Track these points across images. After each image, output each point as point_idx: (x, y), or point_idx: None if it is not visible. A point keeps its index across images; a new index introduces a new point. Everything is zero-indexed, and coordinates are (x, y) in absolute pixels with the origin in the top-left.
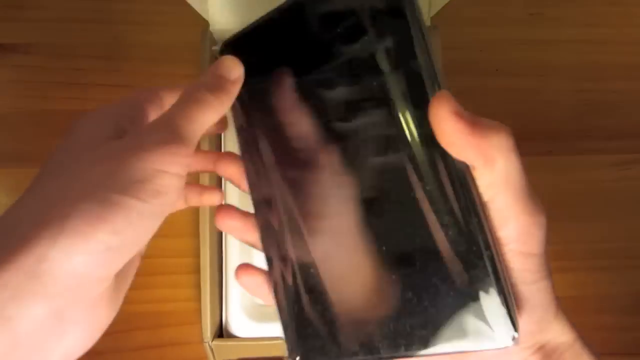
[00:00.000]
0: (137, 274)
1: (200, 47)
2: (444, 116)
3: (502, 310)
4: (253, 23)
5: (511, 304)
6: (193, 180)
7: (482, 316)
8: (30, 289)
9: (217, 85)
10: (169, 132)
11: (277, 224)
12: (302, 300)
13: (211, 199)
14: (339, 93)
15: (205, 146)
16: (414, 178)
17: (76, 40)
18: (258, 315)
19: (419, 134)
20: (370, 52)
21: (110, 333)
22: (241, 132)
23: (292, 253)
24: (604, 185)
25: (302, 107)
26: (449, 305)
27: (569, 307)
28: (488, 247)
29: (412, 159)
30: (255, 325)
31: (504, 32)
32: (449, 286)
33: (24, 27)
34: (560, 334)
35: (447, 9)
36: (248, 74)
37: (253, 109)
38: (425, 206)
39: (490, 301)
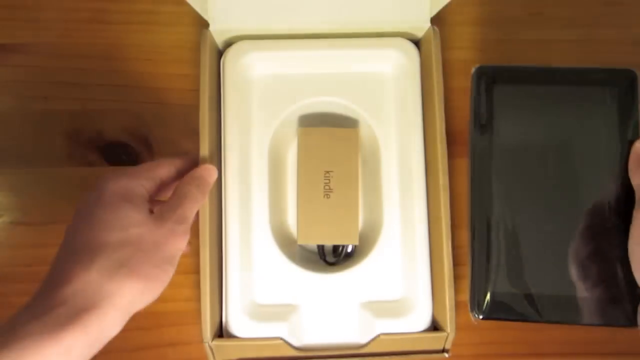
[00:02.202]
0: None
1: (200, 47)
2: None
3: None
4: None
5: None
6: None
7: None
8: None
9: (205, 186)
10: (186, 224)
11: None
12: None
13: None
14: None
15: (205, 146)
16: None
17: (76, 40)
18: (258, 315)
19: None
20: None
21: None
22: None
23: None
24: None
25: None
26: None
27: None
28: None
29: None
30: (255, 325)
31: (504, 32)
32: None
33: (24, 27)
34: None
35: (447, 9)
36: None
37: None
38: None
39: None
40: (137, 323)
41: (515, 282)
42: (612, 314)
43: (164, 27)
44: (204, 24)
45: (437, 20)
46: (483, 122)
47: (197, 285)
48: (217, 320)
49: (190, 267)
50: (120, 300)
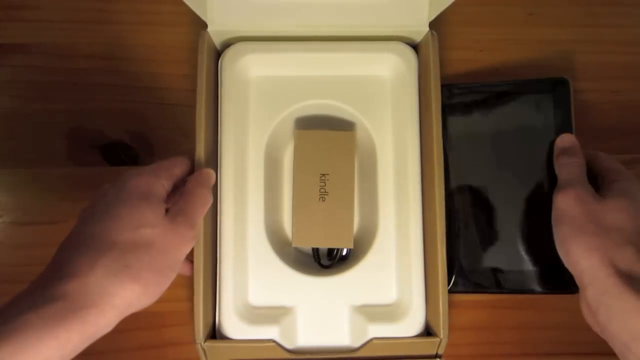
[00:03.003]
0: None
1: (199, 47)
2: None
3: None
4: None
5: None
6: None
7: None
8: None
9: (211, 187)
10: (196, 230)
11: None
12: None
13: None
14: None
15: (201, 147)
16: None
17: (76, 40)
18: (251, 317)
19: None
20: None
21: (110, 333)
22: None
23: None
24: None
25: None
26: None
27: (569, 306)
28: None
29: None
30: (248, 327)
31: (504, 32)
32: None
33: (24, 27)
34: None
35: (446, 9)
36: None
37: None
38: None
39: None
40: (137, 323)
41: (474, 260)
42: (554, 283)
43: (163, 27)
44: (202, 25)
45: (437, 20)
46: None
47: (192, 285)
48: (210, 321)
49: None
50: (120, 301)
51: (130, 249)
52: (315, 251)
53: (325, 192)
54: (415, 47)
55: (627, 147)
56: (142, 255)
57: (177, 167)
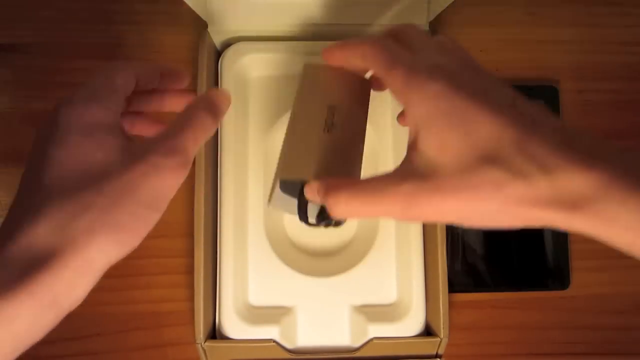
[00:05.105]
0: (136, 274)
1: (199, 47)
2: None
3: None
4: None
5: None
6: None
7: None
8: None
9: (217, 112)
10: (181, 157)
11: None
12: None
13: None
14: None
15: (201, 146)
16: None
17: (76, 40)
18: (251, 317)
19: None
20: None
21: (110, 333)
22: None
23: None
24: None
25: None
26: None
27: (568, 306)
28: None
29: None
30: (248, 327)
31: (504, 32)
32: None
33: (24, 27)
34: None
35: (447, 9)
36: None
37: None
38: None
39: None
40: (137, 323)
41: (474, 260)
42: (545, 281)
43: (164, 27)
44: (202, 25)
45: (437, 20)
46: None
47: (192, 285)
48: (210, 321)
49: (190, 267)
50: (77, 256)
51: (80, 193)
52: (304, 204)
53: (332, 124)
54: None
55: (627, 147)
56: (96, 197)
57: (119, 77)
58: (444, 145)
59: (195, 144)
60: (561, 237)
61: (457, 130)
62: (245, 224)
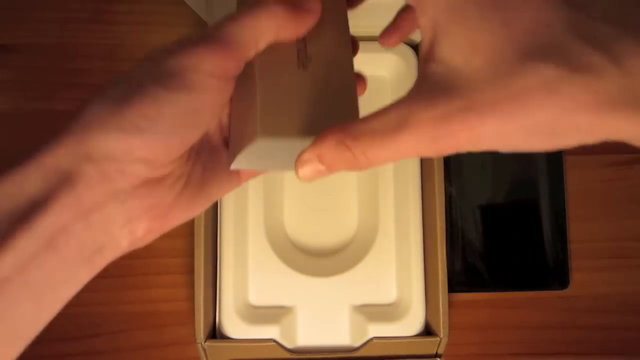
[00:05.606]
0: (136, 274)
1: None
2: None
3: None
4: None
5: None
6: None
7: None
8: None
9: (298, 6)
10: (210, 33)
11: None
12: None
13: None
14: None
15: None
16: None
17: (76, 40)
18: (251, 316)
19: None
20: None
21: (110, 333)
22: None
23: None
24: (603, 185)
25: None
26: None
27: (568, 306)
28: None
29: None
30: (248, 326)
31: None
32: None
33: (24, 27)
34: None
35: None
36: None
37: None
38: None
39: None
40: (137, 323)
41: (474, 259)
42: (544, 281)
43: (164, 27)
44: (202, 25)
45: None
46: None
47: (192, 285)
48: (210, 321)
49: (190, 266)
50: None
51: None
52: None
53: (306, 57)
54: (415, 47)
55: (627, 147)
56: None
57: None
58: (474, 45)
59: (238, 24)
60: (561, 237)
61: (490, 21)
62: (245, 223)
